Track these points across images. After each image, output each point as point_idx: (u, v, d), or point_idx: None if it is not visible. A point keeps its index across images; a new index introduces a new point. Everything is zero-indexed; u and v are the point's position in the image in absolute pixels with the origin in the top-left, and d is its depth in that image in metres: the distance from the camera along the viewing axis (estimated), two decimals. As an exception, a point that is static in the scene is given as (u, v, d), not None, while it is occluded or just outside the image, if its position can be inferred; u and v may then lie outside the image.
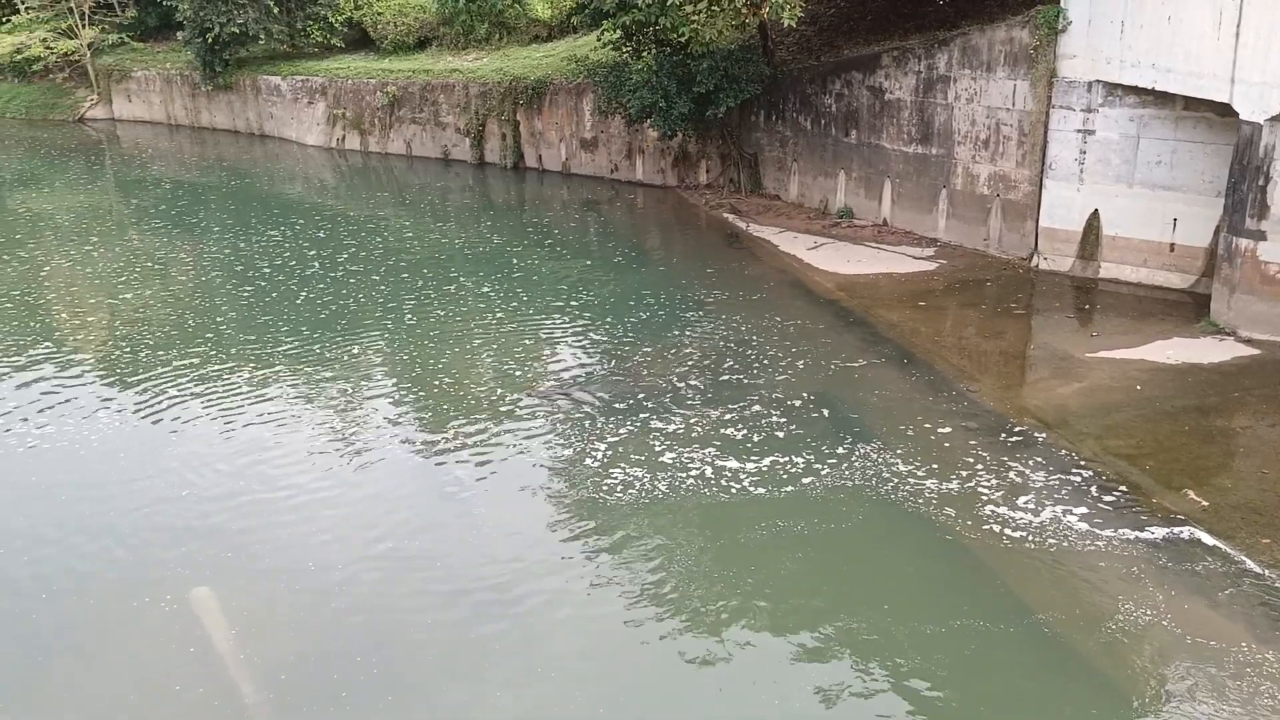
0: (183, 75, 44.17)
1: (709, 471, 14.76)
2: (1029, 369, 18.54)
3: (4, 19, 51.14)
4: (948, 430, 15.78)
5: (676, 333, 20.18)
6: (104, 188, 35.66)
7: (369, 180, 35.41)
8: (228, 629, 12.08)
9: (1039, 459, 14.82)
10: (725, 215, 27.94)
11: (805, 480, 14.49)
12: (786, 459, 15.01)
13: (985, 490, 14.05)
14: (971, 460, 14.84)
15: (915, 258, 23.83)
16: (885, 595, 12.24)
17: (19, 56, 47.73)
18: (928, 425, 15.94)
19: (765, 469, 14.80)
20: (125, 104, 46.83)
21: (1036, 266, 22.57)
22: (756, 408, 16.68)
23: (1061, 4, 21.14)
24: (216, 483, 15.27)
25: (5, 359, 19.88)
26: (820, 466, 14.81)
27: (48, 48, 46.99)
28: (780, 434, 15.82)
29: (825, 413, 16.52)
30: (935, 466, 14.70)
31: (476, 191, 32.77)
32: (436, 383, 18.20)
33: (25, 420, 17.27)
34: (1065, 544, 12.80)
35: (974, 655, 11.16)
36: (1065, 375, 17.59)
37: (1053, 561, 12.53)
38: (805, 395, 17.10)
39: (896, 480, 14.40)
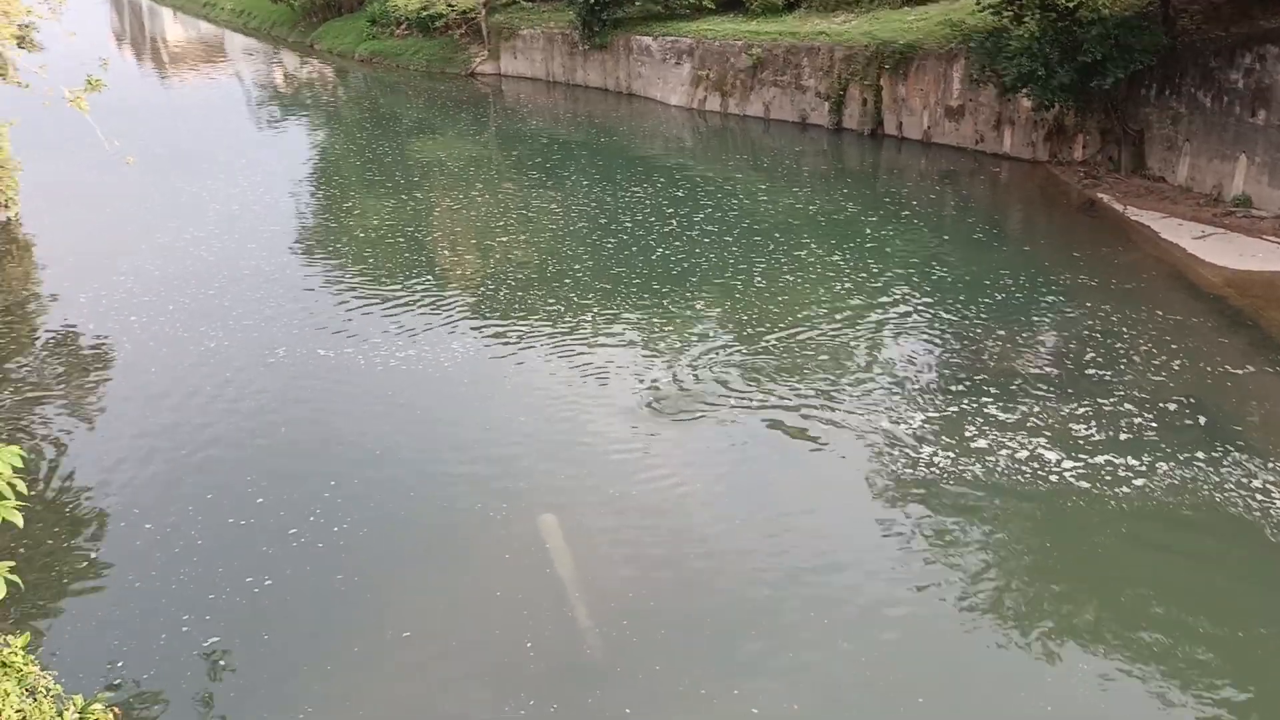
0: (563, 34, 46.77)
1: (1052, 464, 13.94)
2: None
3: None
4: (1351, 455, 13.90)
5: (1035, 318, 19.07)
6: (488, 139, 38.59)
7: (727, 142, 35.97)
8: (569, 555, 12.89)
9: None
10: (1100, 195, 25.92)
11: (1177, 488, 13.34)
12: (1160, 464, 13.88)
13: (1394, 529, 12.28)
14: (1379, 492, 13.01)
15: (1325, 256, 21.04)
16: (1233, 616, 11.07)
17: (424, 13, 52.38)
18: (1326, 447, 14.13)
19: (1132, 470, 13.77)
20: (511, 60, 50.29)
21: None
22: (1126, 406, 15.51)
23: None
24: (561, 416, 16.35)
25: (389, 287, 22.14)
26: (1195, 477, 13.57)
27: (449, 5, 51.21)
28: (1145, 436, 14.64)
29: (1201, 420, 15.04)
30: (1331, 494, 13.03)
31: (832, 157, 32.43)
32: (772, 345, 18.32)
33: (391, 342, 19.24)
34: None
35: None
36: None
37: None
38: (1181, 399, 15.65)
39: (1276, 499, 12.92)
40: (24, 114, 24.98)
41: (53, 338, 20.52)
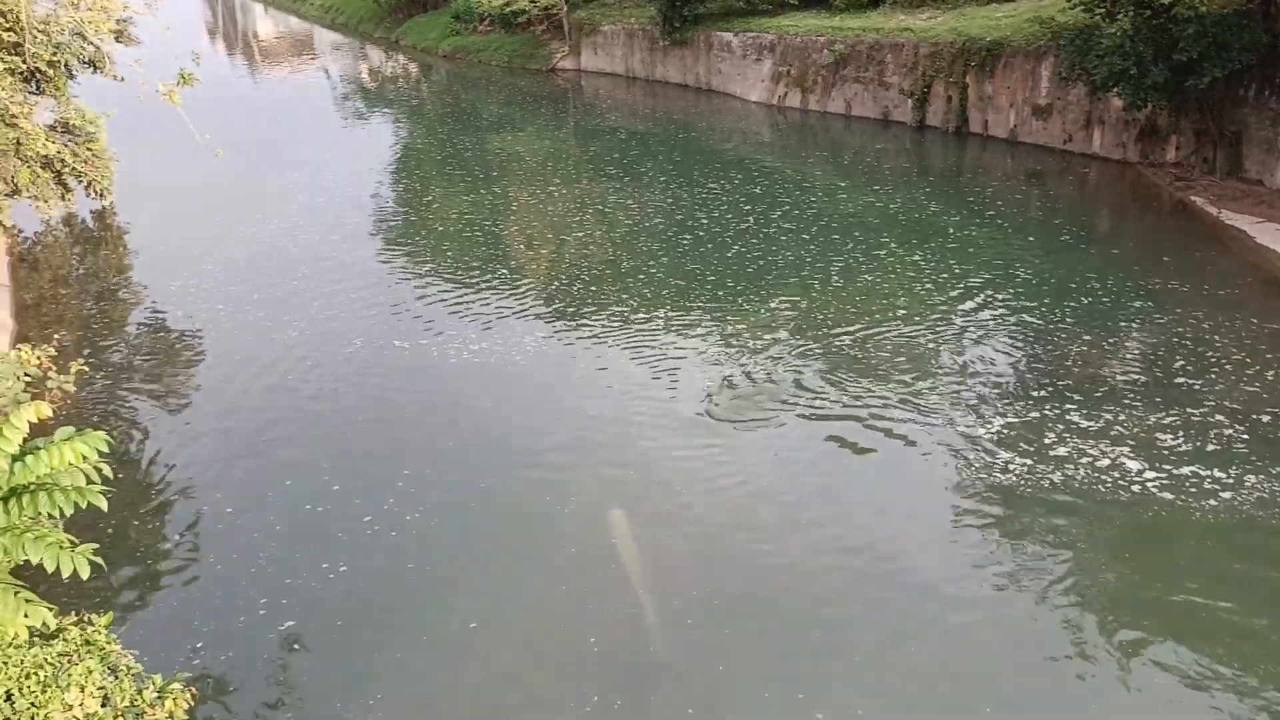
0: (644, 30, 46.81)
1: (1134, 474, 13.54)
2: None
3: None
4: None
5: (1122, 323, 18.54)
6: (566, 134, 38.76)
7: (806, 139, 35.64)
8: (636, 551, 12.88)
9: None
10: (1192, 198, 25.12)
11: (1266, 501, 12.87)
12: (1250, 477, 13.41)
13: None
14: None
15: None
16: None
17: (507, 9, 52.87)
18: None
19: (1219, 483, 13.33)
20: (591, 56, 50.48)
21: None
22: (1216, 416, 15.01)
23: None
24: (632, 412, 16.33)
25: (465, 280, 22.36)
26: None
27: (531, 1, 51.62)
28: (1234, 449, 14.14)
29: (1296, 432, 14.50)
30: None
31: (915, 155, 31.93)
32: (848, 346, 18.08)
33: (465, 335, 19.44)
34: None
35: None
36: None
37: None
38: (1275, 410, 15.08)
39: (1382, 522, 12.38)
40: (119, 107, 25.72)
41: (143, 324, 21.13)
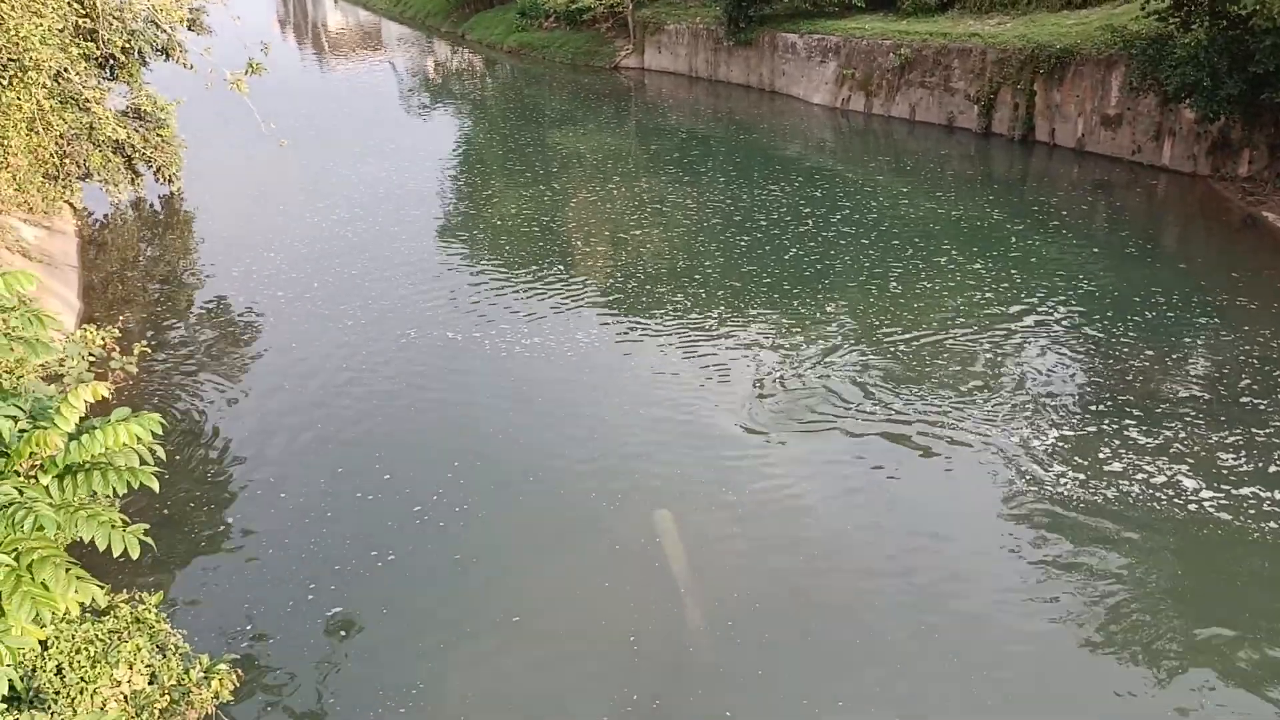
0: (708, 30, 46.71)
1: (1192, 493, 13.22)
2: None
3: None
4: None
5: (1186, 339, 18.12)
6: (627, 132, 38.77)
7: (869, 143, 35.29)
8: (681, 552, 12.84)
9: None
10: (1265, 214, 24.46)
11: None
12: (1306, 503, 13.06)
13: None
14: None
15: None
16: None
17: (573, 6, 53.12)
18: None
19: (1273, 504, 12.96)
20: (655, 55, 50.48)
21: None
22: None
23: None
24: (682, 413, 16.28)
25: (520, 274, 22.47)
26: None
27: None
28: (1301, 473, 13.76)
29: (1366, 458, 14.06)
30: None
31: (979, 162, 31.45)
32: (904, 354, 17.87)
33: (518, 329, 19.54)
34: None
35: None
36: None
37: None
38: (1343, 434, 14.66)
39: None
40: (189, 94, 26.23)
41: (205, 308, 21.51)
